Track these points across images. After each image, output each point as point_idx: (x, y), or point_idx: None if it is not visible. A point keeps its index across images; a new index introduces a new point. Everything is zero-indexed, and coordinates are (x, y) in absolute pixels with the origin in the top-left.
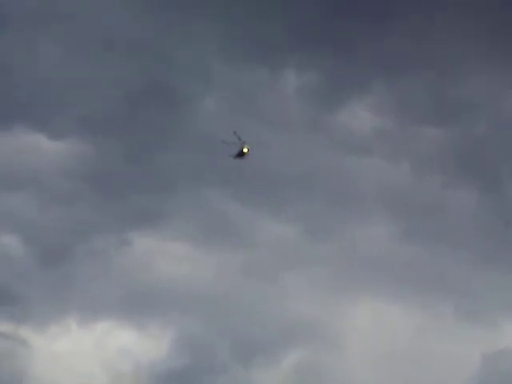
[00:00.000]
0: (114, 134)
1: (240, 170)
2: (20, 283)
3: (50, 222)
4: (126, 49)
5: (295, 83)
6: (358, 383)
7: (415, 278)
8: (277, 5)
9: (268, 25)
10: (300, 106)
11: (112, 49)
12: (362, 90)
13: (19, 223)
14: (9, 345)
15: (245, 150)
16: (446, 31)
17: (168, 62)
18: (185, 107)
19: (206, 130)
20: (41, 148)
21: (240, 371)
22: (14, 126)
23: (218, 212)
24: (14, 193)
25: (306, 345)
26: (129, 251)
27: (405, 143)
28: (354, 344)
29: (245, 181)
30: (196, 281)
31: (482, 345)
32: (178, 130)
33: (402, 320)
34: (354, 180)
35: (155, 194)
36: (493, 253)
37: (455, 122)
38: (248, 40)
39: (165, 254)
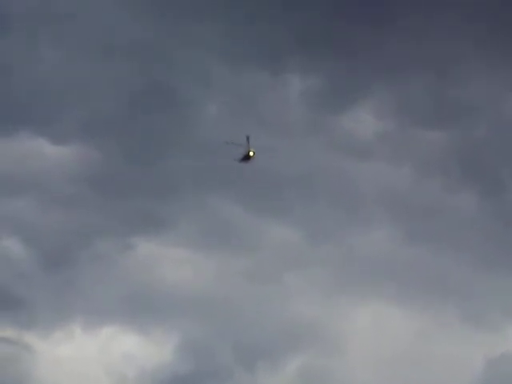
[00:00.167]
0: (116, 138)
1: (242, 174)
2: (24, 288)
3: (54, 226)
4: (127, 51)
5: (296, 86)
6: None
7: (416, 280)
8: (278, 8)
9: (269, 28)
10: (301, 110)
11: (113, 51)
12: (363, 93)
13: (23, 227)
14: (13, 350)
15: (250, 154)
16: (446, 34)
17: (169, 65)
18: (187, 111)
19: (208, 134)
20: (44, 152)
21: (244, 375)
22: (17, 131)
23: (221, 216)
24: (18, 197)
25: (308, 348)
26: (132, 255)
27: (406, 146)
28: (356, 347)
29: (247, 185)
30: (199, 285)
31: (485, 348)
32: (180, 133)
33: (404, 323)
34: (356, 183)
35: (158, 199)
36: (494, 255)
37: (456, 124)
38: (249, 43)
39: (168, 258)
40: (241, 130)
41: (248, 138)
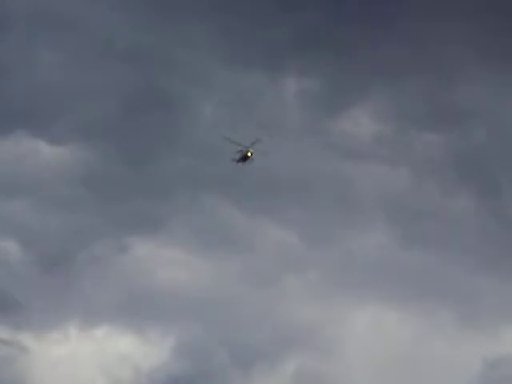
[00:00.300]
0: (114, 140)
1: (239, 176)
2: (20, 289)
3: (51, 228)
4: (125, 52)
5: (294, 89)
6: None
7: (414, 283)
8: (277, 11)
9: (267, 30)
10: (299, 112)
11: (110, 53)
12: (361, 95)
13: (19, 229)
14: (8, 351)
15: (249, 154)
16: (445, 37)
17: (166, 67)
18: (184, 113)
19: (205, 136)
20: (41, 154)
21: (240, 377)
22: (14, 132)
23: (218, 218)
24: (14, 198)
25: (305, 350)
26: (128, 257)
27: (404, 149)
28: (353, 349)
29: (244, 187)
30: (195, 286)
31: (483, 351)
32: (177, 135)
33: (401, 326)
34: (354, 186)
35: (155, 200)
36: (492, 259)
37: (454, 127)
38: (247, 45)
39: (164, 260)
40: (238, 131)
41: (255, 142)
